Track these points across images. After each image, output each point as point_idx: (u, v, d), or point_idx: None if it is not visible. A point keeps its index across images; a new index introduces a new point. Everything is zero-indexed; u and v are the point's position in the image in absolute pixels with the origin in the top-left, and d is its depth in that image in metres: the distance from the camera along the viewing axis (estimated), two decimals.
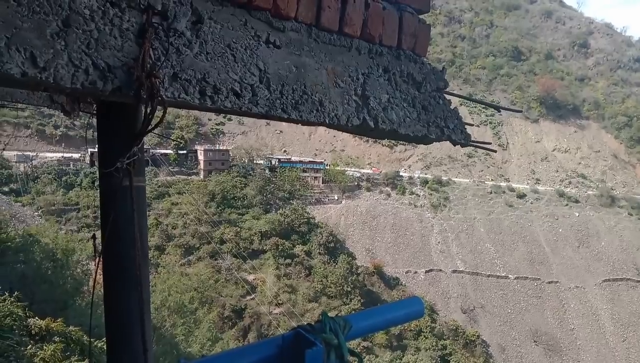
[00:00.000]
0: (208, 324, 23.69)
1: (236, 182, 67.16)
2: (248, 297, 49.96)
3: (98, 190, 1.73)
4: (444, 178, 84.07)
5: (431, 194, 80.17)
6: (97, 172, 1.64)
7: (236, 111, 1.47)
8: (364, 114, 1.78)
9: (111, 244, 1.64)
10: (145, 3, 1.30)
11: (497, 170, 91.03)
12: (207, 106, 1.41)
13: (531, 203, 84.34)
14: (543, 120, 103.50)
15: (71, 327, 10.57)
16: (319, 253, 59.46)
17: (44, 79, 1.14)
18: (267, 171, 72.05)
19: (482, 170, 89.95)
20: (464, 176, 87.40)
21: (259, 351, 1.10)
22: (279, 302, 50.68)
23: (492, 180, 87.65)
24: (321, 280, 55.00)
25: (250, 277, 53.85)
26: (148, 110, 1.24)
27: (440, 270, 69.09)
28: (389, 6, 1.88)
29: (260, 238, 58.31)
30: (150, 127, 1.24)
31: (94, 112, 5.49)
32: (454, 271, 69.39)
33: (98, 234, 1.89)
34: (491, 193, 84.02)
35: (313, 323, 1.17)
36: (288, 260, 56.88)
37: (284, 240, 58.62)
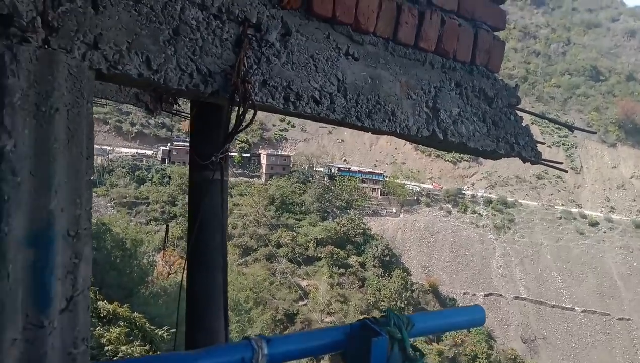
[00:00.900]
0: (261, 324, 24.24)
1: (295, 187, 68.29)
2: (300, 303, 50.45)
3: (187, 184, 1.91)
4: (510, 199, 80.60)
5: (495, 215, 77.13)
6: (188, 166, 1.83)
7: (315, 117, 1.59)
8: (434, 126, 1.84)
9: (201, 231, 1.81)
10: (243, 16, 1.45)
11: (569, 194, 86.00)
12: (289, 111, 1.54)
13: (604, 232, 78.84)
14: (621, 145, 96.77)
15: (135, 314, 11.22)
16: (374, 266, 58.98)
17: (156, 80, 1.31)
18: (326, 179, 72.64)
19: (552, 194, 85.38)
20: (532, 198, 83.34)
21: (328, 336, 1.19)
22: (331, 310, 50.73)
23: (562, 204, 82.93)
24: (374, 293, 54.48)
25: (304, 283, 54.38)
26: (240, 112, 1.39)
27: (501, 295, 66.13)
28: (464, 23, 1.94)
29: (315, 245, 58.79)
30: (241, 127, 1.38)
31: (174, 112, 5.88)
32: (516, 297, 66.13)
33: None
34: (561, 218, 79.47)
35: (378, 317, 1.25)
36: (342, 270, 56.87)
37: (339, 249, 58.70)
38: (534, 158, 2.13)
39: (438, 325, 1.34)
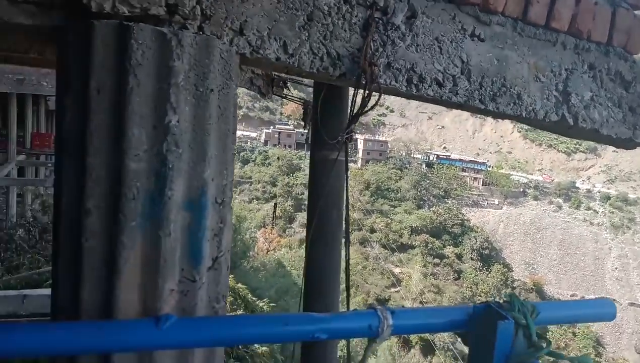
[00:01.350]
0: (353, 306, 24.66)
1: (392, 173, 67.60)
2: (392, 289, 50.30)
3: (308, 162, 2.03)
4: (632, 195, 72.20)
5: (612, 212, 69.73)
6: (309, 147, 1.94)
7: (437, 100, 1.60)
8: (564, 111, 1.75)
9: (322, 208, 1.92)
10: (371, 0, 1.49)
11: None
12: (412, 93, 1.56)
13: None
14: None
15: (239, 284, 12.05)
16: (471, 258, 56.77)
17: (291, 63, 1.41)
18: (423, 166, 70.87)
19: None
20: None
21: (450, 314, 1.22)
22: (423, 300, 49.94)
23: None
24: (470, 287, 52.51)
25: (397, 270, 54.04)
26: (365, 94, 1.44)
27: (615, 300, 60.01)
28: (601, 1, 1.80)
29: (410, 232, 57.96)
30: (366, 109, 1.44)
31: (284, 95, 6.15)
32: (632, 304, 59.67)
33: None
34: None
35: (501, 302, 1.25)
36: (437, 260, 55.53)
37: (434, 239, 57.29)
38: None
39: (564, 315, 1.29)
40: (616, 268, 63.69)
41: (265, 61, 1.40)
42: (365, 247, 55.60)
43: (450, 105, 1.64)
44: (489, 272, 53.92)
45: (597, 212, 69.94)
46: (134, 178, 1.17)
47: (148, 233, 1.21)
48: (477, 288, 51.73)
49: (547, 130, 1.94)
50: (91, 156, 1.16)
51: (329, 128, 1.93)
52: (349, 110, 1.48)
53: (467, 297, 51.29)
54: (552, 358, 1.21)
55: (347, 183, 1.75)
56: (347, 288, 1.52)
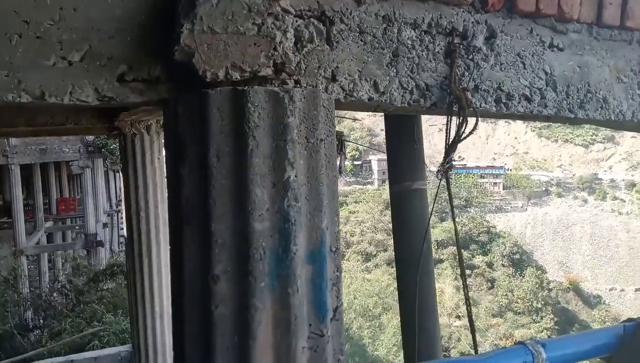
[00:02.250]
0: (393, 330, 24.22)
1: None
2: None
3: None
4: None
5: None
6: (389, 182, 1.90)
7: (527, 116, 1.57)
8: None
9: (408, 239, 1.88)
10: (450, 27, 1.49)
11: None
12: (502, 113, 1.54)
13: None
14: None
15: None
16: (502, 265, 55.53)
17: (383, 101, 1.41)
18: (440, 178, 70.24)
19: None
20: None
21: (600, 338, 1.16)
22: (459, 314, 48.73)
23: None
24: (506, 294, 51.15)
25: None
26: (461, 120, 1.42)
27: None
28: None
29: (436, 247, 57.05)
30: (464, 136, 1.42)
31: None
32: None
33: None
34: None
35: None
36: (468, 271, 54.38)
37: (462, 250, 56.29)
38: None
39: None
40: None
41: (358, 103, 1.40)
42: (392, 267, 54.72)
43: (540, 118, 1.61)
44: (523, 277, 52.58)
45: (625, 201, 68.23)
46: (259, 238, 1.15)
47: (277, 292, 1.18)
48: (513, 295, 50.39)
49: (635, 131, 1.89)
50: (215, 221, 1.14)
51: (402, 159, 1.91)
52: (446, 139, 1.46)
53: (504, 305, 49.98)
54: None
55: (453, 213, 1.71)
56: (471, 323, 1.45)
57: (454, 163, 1.48)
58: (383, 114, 1.94)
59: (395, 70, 1.42)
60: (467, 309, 1.38)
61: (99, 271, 13.59)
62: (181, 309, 1.24)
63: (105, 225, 22.27)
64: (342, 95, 1.35)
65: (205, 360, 1.21)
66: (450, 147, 1.43)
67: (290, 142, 1.16)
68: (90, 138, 16.12)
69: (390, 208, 1.97)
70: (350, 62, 1.36)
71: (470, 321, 1.42)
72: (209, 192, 1.13)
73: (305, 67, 1.29)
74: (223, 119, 1.12)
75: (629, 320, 1.19)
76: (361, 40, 1.39)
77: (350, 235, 59.64)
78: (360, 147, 76.25)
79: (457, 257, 1.52)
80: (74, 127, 4.80)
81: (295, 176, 1.17)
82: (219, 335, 1.18)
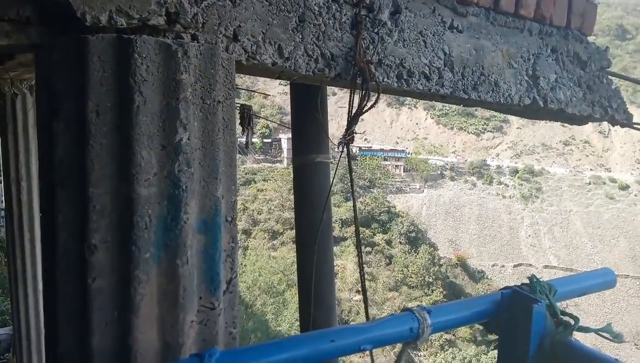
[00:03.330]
0: (295, 305, 24.73)
1: None
2: None
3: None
4: (537, 167, 78.97)
5: (521, 184, 75.85)
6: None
7: (425, 94, 1.61)
8: (534, 94, 1.84)
9: (309, 212, 1.86)
10: None
11: (597, 159, 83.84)
12: (403, 89, 1.56)
13: (635, 195, 76.86)
14: None
15: None
16: (400, 243, 58.97)
17: (287, 67, 1.35)
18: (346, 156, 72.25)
19: (579, 159, 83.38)
20: (560, 165, 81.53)
21: (481, 304, 1.23)
22: (359, 289, 51.10)
23: (591, 169, 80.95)
24: (402, 270, 54.58)
25: None
26: (363, 94, 1.41)
27: (531, 264, 65.48)
28: None
29: (340, 225, 58.93)
30: (365, 109, 1.41)
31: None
32: (546, 266, 65.40)
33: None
34: (590, 184, 77.69)
35: (520, 285, 1.28)
36: (368, 249, 57.00)
37: (364, 229, 58.73)
38: (626, 120, 2.11)
39: (575, 289, 1.36)
40: (529, 235, 69.38)
41: (261, 67, 1.33)
42: None
43: (437, 98, 1.66)
44: (417, 254, 56.36)
45: (508, 186, 75.62)
46: (145, 205, 1.05)
47: (164, 263, 1.10)
48: (408, 270, 53.94)
49: (519, 114, 2.04)
50: (93, 185, 1.02)
51: (306, 129, 1.88)
52: (349, 111, 1.44)
53: (400, 279, 53.35)
54: None
55: (352, 186, 1.71)
56: (364, 293, 1.48)
57: (355, 136, 1.48)
58: (289, 85, 1.88)
59: (301, 36, 1.37)
60: (360, 278, 1.40)
61: None
62: (54, 282, 1.11)
63: None
64: (244, 56, 1.27)
65: (81, 338, 1.10)
66: (352, 120, 1.42)
67: (184, 101, 1.06)
68: None
69: (294, 180, 1.95)
70: (253, 23, 1.28)
71: (364, 290, 1.46)
72: (86, 152, 1.01)
73: (204, 22, 1.18)
74: (105, 70, 0.99)
75: (506, 287, 1.27)
76: (266, 0, 1.31)
77: (258, 213, 59.36)
78: (270, 125, 75.59)
79: (355, 231, 1.54)
80: None
81: (188, 139, 1.09)
82: (97, 310, 1.07)
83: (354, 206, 1.61)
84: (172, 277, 1.11)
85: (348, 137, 1.45)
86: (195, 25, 1.12)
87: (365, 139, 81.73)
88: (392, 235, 59.55)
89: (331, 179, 1.87)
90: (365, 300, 1.48)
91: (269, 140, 73.32)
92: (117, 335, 1.09)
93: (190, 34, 1.17)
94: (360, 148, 74.65)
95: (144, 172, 1.03)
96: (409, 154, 77.14)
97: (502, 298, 1.23)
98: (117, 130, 1.01)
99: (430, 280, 53.72)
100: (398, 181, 73.57)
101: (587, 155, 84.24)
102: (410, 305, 1.42)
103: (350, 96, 1.44)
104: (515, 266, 64.96)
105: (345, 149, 1.50)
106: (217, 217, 1.17)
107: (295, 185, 1.96)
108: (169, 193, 1.07)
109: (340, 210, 60.24)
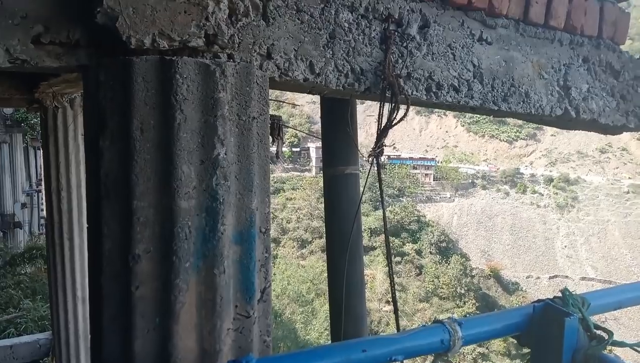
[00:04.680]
0: (324, 315, 24.69)
1: None
2: None
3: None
4: (572, 176, 76.56)
5: (557, 193, 73.65)
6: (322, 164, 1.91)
7: (454, 106, 1.62)
8: (566, 104, 1.83)
9: (339, 223, 1.90)
10: (386, 13, 1.50)
11: (636, 167, 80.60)
12: (432, 102, 1.58)
13: None
14: None
15: None
16: (430, 253, 58.14)
17: (318, 83, 1.39)
18: (375, 168, 71.97)
19: (617, 167, 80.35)
20: (596, 174, 78.82)
21: (512, 317, 1.23)
22: (389, 299, 50.53)
23: (629, 178, 77.87)
24: (432, 281, 53.73)
25: None
26: (392, 106, 1.44)
27: (567, 276, 63.31)
28: None
29: (369, 234, 58.58)
30: (395, 121, 1.44)
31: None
32: (583, 278, 63.09)
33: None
34: (628, 192, 74.71)
35: (553, 298, 1.28)
36: (398, 258, 56.41)
37: (394, 238, 58.18)
38: None
39: (610, 302, 1.34)
40: (565, 246, 67.20)
41: (293, 83, 1.38)
42: None
43: (466, 109, 1.67)
44: (448, 264, 55.40)
45: (542, 195, 73.59)
46: (185, 217, 1.11)
47: (203, 272, 1.15)
48: (439, 281, 53.04)
49: (551, 125, 2.02)
50: (137, 198, 1.08)
51: (337, 142, 1.92)
52: (378, 124, 1.47)
53: (430, 290, 52.48)
54: None
55: (382, 198, 1.73)
56: (395, 304, 1.50)
57: (385, 148, 1.50)
58: (319, 98, 1.93)
59: (331, 52, 1.41)
60: (390, 288, 1.42)
61: (17, 254, 12.66)
62: (99, 290, 1.17)
63: (24, 205, 20.68)
64: (277, 73, 1.33)
65: (124, 343, 1.16)
66: (382, 132, 1.45)
67: (221, 118, 1.12)
68: (9, 111, 14.79)
69: (324, 190, 1.99)
70: (286, 41, 1.34)
71: (394, 301, 1.47)
72: (131, 167, 1.07)
73: (240, 42, 1.24)
74: (148, 90, 1.06)
75: (539, 301, 1.27)
76: (298, 19, 1.36)
77: (287, 222, 59.72)
78: (299, 134, 76.16)
79: (385, 241, 1.55)
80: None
81: (225, 154, 1.14)
82: (139, 317, 1.13)
83: (384, 218, 1.63)
84: (210, 286, 1.16)
85: (378, 150, 1.48)
86: (232, 45, 1.18)
87: (394, 147, 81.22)
88: (422, 245, 58.77)
89: (361, 189, 1.90)
90: (396, 310, 1.50)
91: (298, 149, 73.86)
92: (158, 341, 1.14)
93: (227, 54, 1.23)
94: (389, 156, 74.25)
95: (184, 185, 1.09)
96: (438, 162, 76.16)
97: (534, 311, 1.23)
98: (159, 146, 1.07)
99: (462, 291, 52.65)
100: (428, 190, 72.69)
101: (625, 163, 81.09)
102: (441, 316, 1.42)
103: (380, 109, 1.47)
104: (550, 278, 62.96)
105: (375, 161, 1.52)
106: (252, 229, 1.22)
107: (325, 197, 2.00)
108: (207, 205, 1.13)
109: (369, 219, 59.97)
